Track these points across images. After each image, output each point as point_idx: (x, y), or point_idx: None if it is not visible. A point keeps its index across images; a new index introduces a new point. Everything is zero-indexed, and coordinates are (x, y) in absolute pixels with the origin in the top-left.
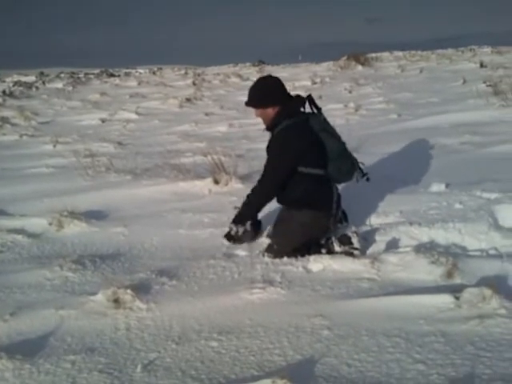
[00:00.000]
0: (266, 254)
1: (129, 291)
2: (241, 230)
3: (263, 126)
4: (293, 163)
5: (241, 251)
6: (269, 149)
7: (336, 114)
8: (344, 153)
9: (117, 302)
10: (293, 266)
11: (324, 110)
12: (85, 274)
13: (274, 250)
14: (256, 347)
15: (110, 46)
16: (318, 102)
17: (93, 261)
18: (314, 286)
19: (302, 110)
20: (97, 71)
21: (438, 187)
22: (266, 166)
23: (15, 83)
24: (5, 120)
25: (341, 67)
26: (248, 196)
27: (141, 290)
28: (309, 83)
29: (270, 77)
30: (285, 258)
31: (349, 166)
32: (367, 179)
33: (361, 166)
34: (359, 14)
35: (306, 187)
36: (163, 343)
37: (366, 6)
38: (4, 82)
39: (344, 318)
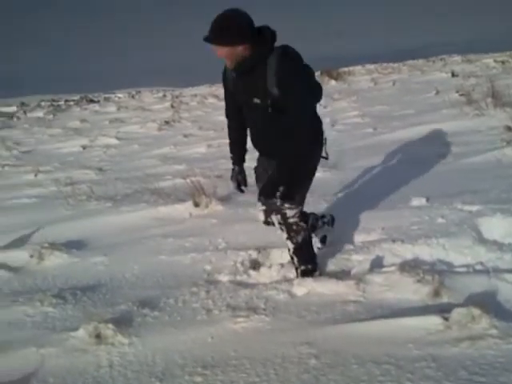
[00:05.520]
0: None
1: (110, 325)
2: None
3: None
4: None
5: (223, 276)
6: (283, 87)
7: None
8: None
9: (98, 337)
10: (277, 291)
11: None
12: (65, 308)
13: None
14: (242, 381)
15: (87, 70)
16: None
17: (73, 294)
18: (300, 311)
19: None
20: (76, 97)
21: (418, 201)
22: (296, 92)
23: None
24: None
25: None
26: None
27: (122, 323)
28: None
29: (237, 9)
30: (268, 283)
31: (321, 94)
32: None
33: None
34: (323, 28)
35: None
36: (147, 380)
37: (328, 21)
38: None
39: (331, 345)
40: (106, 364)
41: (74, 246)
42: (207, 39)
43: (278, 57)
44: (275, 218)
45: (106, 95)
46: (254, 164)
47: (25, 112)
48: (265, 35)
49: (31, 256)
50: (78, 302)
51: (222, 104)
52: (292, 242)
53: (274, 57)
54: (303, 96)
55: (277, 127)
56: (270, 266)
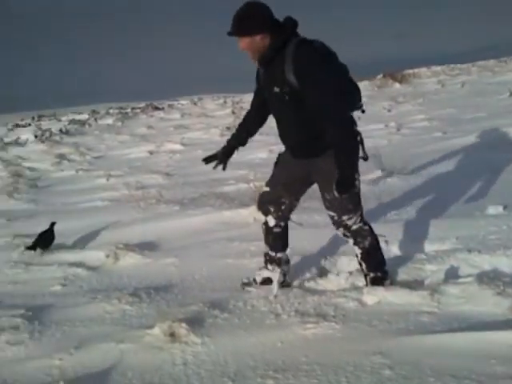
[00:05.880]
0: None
1: (183, 325)
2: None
3: None
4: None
5: (291, 282)
6: (301, 74)
7: (377, 134)
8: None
9: (172, 335)
10: (346, 299)
11: (364, 130)
12: (141, 306)
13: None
14: None
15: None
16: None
17: (148, 293)
18: (371, 320)
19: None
20: (142, 105)
21: (495, 209)
22: (320, 86)
23: (70, 121)
24: (62, 156)
25: (377, 86)
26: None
27: (194, 323)
28: None
29: (255, 1)
30: (336, 290)
31: (360, 93)
32: (363, 111)
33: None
34: (385, 31)
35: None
36: (219, 380)
37: (391, 23)
38: (60, 120)
39: (406, 356)
40: (180, 362)
41: (146, 247)
42: (229, 33)
43: (297, 43)
44: (339, 232)
45: (170, 102)
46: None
47: (95, 119)
48: (285, 24)
49: (107, 256)
50: (152, 301)
51: None
52: (359, 247)
53: (292, 44)
54: (324, 85)
55: (296, 117)
56: (337, 274)
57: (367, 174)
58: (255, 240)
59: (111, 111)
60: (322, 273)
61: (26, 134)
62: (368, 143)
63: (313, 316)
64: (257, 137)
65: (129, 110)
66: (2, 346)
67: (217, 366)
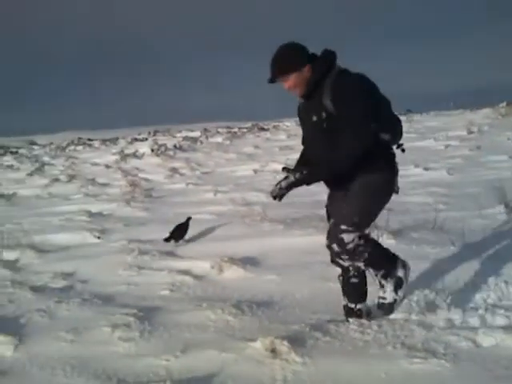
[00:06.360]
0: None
1: (285, 342)
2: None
3: (407, 173)
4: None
5: (396, 313)
6: (337, 100)
7: (499, 166)
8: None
9: (274, 351)
10: (458, 337)
11: (484, 161)
12: (243, 319)
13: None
14: None
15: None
16: (477, 152)
17: (250, 306)
18: (486, 363)
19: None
20: (248, 125)
21: None
22: (349, 113)
23: (184, 138)
24: (175, 170)
25: (501, 114)
26: (327, 159)
27: (296, 342)
28: (464, 133)
29: (286, 43)
30: (446, 325)
31: (400, 128)
32: (403, 150)
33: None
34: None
35: (376, 144)
36: None
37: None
38: (175, 137)
39: None
40: (280, 378)
41: (249, 262)
42: (271, 79)
43: (337, 73)
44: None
45: (275, 123)
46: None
47: (207, 137)
48: (323, 55)
49: (212, 267)
50: (254, 315)
51: None
52: (360, 268)
53: (332, 75)
54: (358, 113)
55: (330, 144)
56: (448, 310)
57: (486, 208)
58: None
59: (220, 130)
60: (432, 307)
61: (143, 148)
62: (490, 175)
63: (420, 351)
64: None
65: (236, 130)
66: (115, 341)
67: None
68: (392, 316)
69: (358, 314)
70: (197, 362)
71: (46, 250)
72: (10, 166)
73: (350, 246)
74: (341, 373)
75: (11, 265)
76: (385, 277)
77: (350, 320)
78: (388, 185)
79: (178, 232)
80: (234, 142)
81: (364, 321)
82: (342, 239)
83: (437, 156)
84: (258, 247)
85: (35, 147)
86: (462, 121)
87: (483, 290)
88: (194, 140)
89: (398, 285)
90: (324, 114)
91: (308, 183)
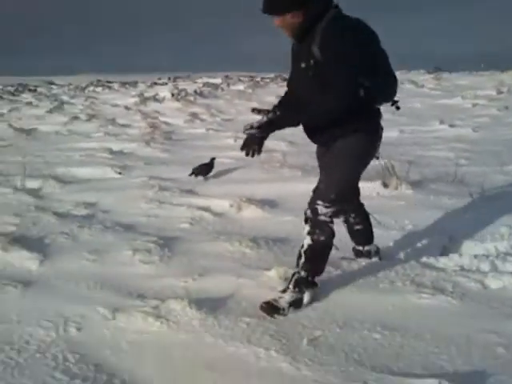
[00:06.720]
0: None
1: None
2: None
3: (431, 128)
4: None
5: (408, 255)
6: (324, 47)
7: None
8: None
9: (287, 280)
10: (468, 279)
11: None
12: (259, 252)
13: (327, 194)
14: (421, 348)
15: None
16: (504, 112)
17: (266, 242)
18: (491, 303)
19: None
20: (272, 75)
21: None
22: (333, 65)
23: (204, 84)
24: (195, 115)
25: None
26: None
27: None
28: (493, 92)
29: None
30: (457, 268)
31: (394, 86)
32: (397, 108)
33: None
34: None
35: (360, 103)
36: (328, 325)
37: None
38: (196, 82)
39: None
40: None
41: (267, 203)
42: (262, 11)
43: (330, 18)
44: (305, 215)
45: None
46: None
47: (228, 84)
48: (319, 1)
49: (231, 205)
50: (271, 249)
51: (419, 90)
52: (311, 239)
53: (325, 19)
54: (343, 67)
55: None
56: (460, 255)
57: (508, 164)
58: (375, 213)
59: (242, 78)
60: (444, 252)
61: (163, 92)
62: None
63: (429, 288)
64: (389, 116)
65: (259, 79)
66: (136, 263)
67: (326, 314)
68: (404, 258)
69: (366, 255)
70: (214, 284)
71: (68, 181)
72: (29, 103)
73: (322, 218)
74: (350, 302)
75: (34, 192)
76: (298, 281)
77: (360, 259)
78: (368, 150)
79: (203, 168)
80: (256, 91)
81: (375, 259)
82: (316, 209)
83: (463, 114)
84: (277, 191)
85: (54, 87)
86: (492, 81)
87: (496, 239)
88: (215, 87)
89: (299, 287)
90: (312, 62)
91: (282, 125)
